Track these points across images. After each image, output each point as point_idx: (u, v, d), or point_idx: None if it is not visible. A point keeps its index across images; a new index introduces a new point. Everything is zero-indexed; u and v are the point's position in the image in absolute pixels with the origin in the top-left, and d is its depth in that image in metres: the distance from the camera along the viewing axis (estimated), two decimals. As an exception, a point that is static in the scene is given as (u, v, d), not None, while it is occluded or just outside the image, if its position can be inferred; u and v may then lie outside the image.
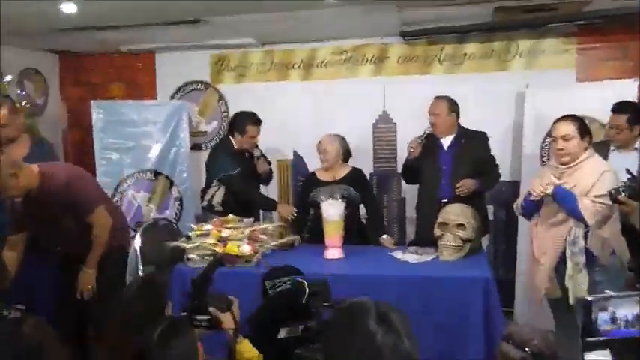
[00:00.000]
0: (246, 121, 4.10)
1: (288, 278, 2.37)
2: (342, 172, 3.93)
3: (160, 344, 1.65)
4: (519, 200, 3.34)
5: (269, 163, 4.37)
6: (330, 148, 3.88)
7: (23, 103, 4.39)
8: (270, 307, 2.34)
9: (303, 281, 2.29)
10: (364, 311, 1.31)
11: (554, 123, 3.09)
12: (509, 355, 1.85)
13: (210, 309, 2.03)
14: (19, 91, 4.60)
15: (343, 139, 3.97)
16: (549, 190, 2.96)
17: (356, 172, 3.98)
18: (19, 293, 3.01)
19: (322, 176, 3.95)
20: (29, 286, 3.19)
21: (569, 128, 2.97)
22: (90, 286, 3.19)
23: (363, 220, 4.07)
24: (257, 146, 4.28)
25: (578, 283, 2.90)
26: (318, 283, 2.30)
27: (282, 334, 2.11)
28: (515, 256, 4.41)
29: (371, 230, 3.95)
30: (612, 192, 2.68)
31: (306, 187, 4.02)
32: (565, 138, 2.96)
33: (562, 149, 2.97)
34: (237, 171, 4.04)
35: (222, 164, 4.09)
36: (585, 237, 2.91)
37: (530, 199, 3.07)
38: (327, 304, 2.16)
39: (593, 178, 2.88)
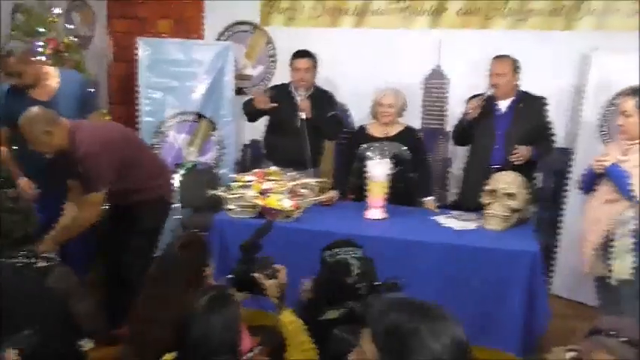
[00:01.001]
0: (293, 54, 4.04)
1: (347, 249, 2.23)
2: (396, 129, 3.79)
3: (204, 314, 1.64)
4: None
5: (339, 121, 4.18)
6: (394, 103, 3.73)
7: (71, 37, 4.30)
8: (319, 283, 2.23)
9: (352, 262, 2.17)
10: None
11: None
12: (607, 344, 1.72)
13: (256, 275, 2.00)
14: (66, 25, 4.52)
15: (402, 93, 3.84)
16: (606, 163, 2.83)
17: (410, 131, 3.84)
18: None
19: (374, 131, 3.80)
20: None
21: (629, 104, 2.80)
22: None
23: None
24: (320, 89, 4.11)
25: (623, 265, 2.80)
26: (365, 261, 2.21)
27: (328, 315, 2.03)
28: (559, 225, 4.27)
29: (418, 191, 3.82)
30: None
31: (355, 140, 3.89)
32: (625, 114, 2.81)
33: (622, 125, 2.84)
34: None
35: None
36: None
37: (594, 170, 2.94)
38: (373, 283, 2.07)
39: None
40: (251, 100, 4.05)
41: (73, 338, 2.19)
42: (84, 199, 3.00)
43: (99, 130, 3.11)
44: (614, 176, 2.83)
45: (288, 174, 3.53)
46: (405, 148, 3.71)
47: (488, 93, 3.61)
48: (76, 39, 4.35)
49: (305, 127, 3.93)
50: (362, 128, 3.91)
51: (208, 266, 2.23)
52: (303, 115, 3.89)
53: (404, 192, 3.75)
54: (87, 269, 3.62)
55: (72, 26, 4.68)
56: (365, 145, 3.73)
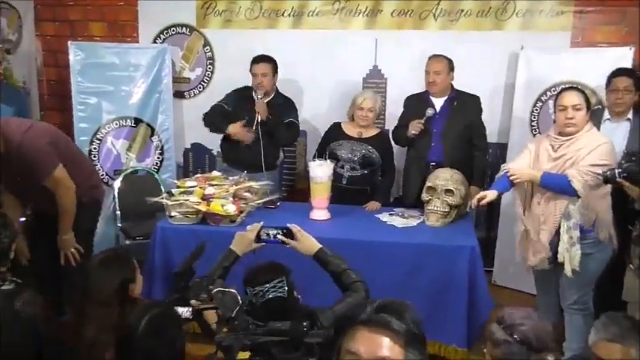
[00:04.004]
0: (252, 59, 4.04)
1: (272, 285, 2.05)
2: (371, 131, 3.86)
3: (147, 334, 1.62)
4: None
5: (295, 128, 4.15)
6: (373, 107, 3.79)
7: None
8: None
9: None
10: None
11: (562, 92, 3.00)
12: (493, 337, 1.85)
13: (192, 302, 1.96)
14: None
15: (379, 97, 3.97)
16: (526, 178, 2.94)
17: (383, 136, 3.94)
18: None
19: (348, 130, 3.86)
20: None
21: (579, 98, 2.90)
22: (73, 249, 3.07)
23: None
24: (281, 95, 4.12)
25: (571, 257, 2.91)
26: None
27: None
28: (497, 216, 4.43)
29: (376, 195, 3.85)
30: (608, 174, 2.62)
31: (328, 137, 3.93)
32: (576, 107, 2.88)
33: (572, 118, 2.88)
34: (224, 105, 4.04)
35: (225, 96, 4.10)
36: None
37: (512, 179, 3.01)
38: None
39: (588, 149, 2.84)
40: (214, 113, 4.04)
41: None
42: (49, 183, 2.91)
43: (28, 124, 2.98)
44: (553, 184, 2.89)
45: (231, 178, 3.51)
46: (376, 151, 3.79)
47: (429, 114, 3.71)
48: (1, 44, 4.17)
49: (259, 129, 3.94)
50: (337, 125, 3.94)
51: (132, 282, 2.17)
52: (259, 118, 3.92)
53: (369, 194, 3.82)
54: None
55: (-5, 33, 4.49)
56: (336, 142, 3.79)
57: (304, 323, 1.71)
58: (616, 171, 2.58)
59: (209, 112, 4.06)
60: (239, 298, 1.92)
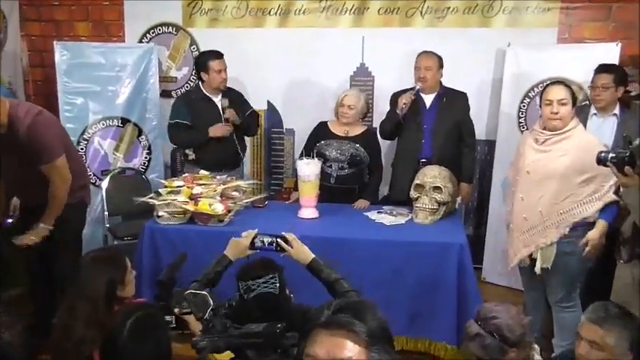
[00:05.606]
0: (206, 56, 3.97)
1: (264, 280, 2.06)
2: (357, 129, 3.84)
3: (132, 335, 1.60)
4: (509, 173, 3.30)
5: (257, 117, 4.23)
6: (355, 105, 3.76)
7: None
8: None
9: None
10: None
11: (548, 86, 2.99)
12: (467, 330, 1.86)
13: (176, 310, 1.96)
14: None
15: (365, 96, 3.91)
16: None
17: (370, 133, 3.90)
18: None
19: (335, 129, 3.84)
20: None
21: (564, 93, 2.89)
22: (35, 241, 2.96)
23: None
24: (230, 89, 4.08)
25: (545, 255, 2.94)
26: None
27: None
28: (486, 213, 4.45)
29: (364, 194, 3.84)
30: (602, 156, 2.45)
31: (315, 136, 3.89)
32: (561, 102, 2.86)
33: (557, 112, 2.86)
34: (181, 122, 3.95)
35: (176, 112, 4.01)
36: None
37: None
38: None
39: (588, 154, 2.66)
40: (180, 131, 3.99)
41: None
42: (47, 170, 2.90)
43: (37, 109, 2.96)
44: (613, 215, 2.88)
45: (218, 177, 3.49)
46: (363, 149, 3.77)
47: (418, 87, 3.70)
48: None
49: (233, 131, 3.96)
50: (324, 124, 3.92)
51: (122, 282, 2.15)
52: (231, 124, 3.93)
53: (357, 193, 3.81)
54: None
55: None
56: (323, 142, 3.77)
57: (278, 325, 1.70)
58: (610, 155, 2.53)
59: (175, 133, 4.02)
60: (210, 300, 1.91)
